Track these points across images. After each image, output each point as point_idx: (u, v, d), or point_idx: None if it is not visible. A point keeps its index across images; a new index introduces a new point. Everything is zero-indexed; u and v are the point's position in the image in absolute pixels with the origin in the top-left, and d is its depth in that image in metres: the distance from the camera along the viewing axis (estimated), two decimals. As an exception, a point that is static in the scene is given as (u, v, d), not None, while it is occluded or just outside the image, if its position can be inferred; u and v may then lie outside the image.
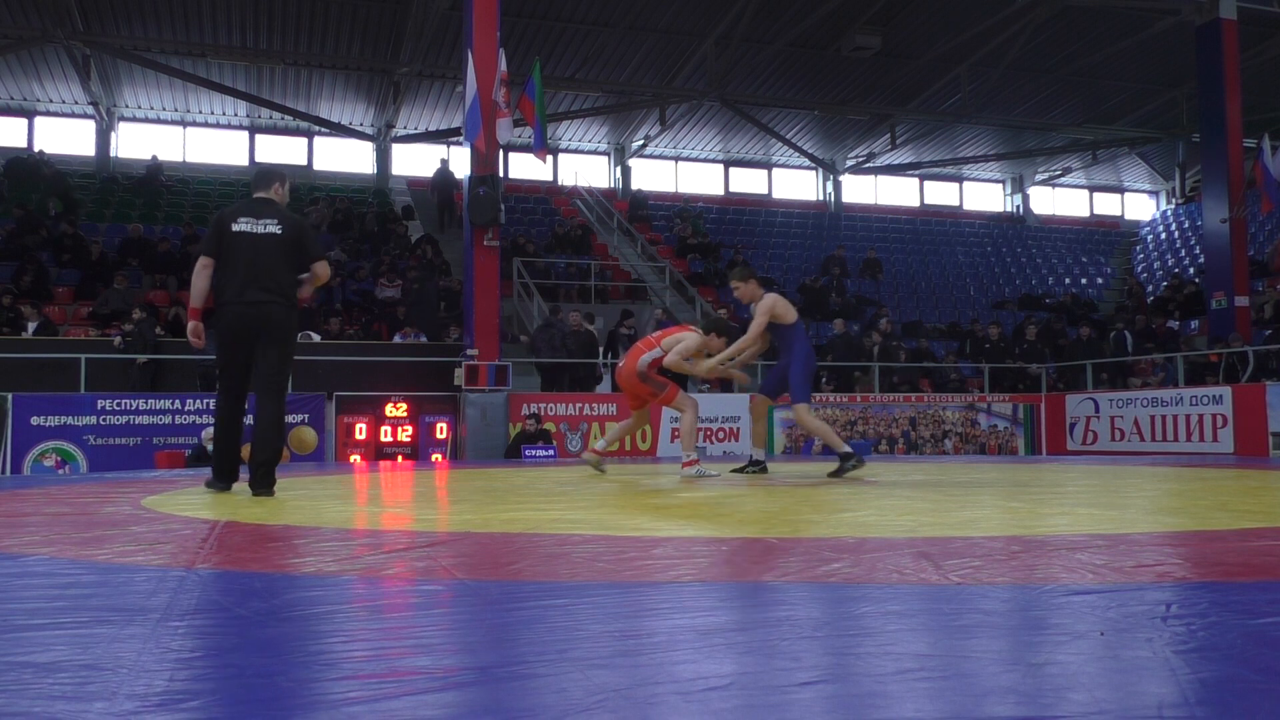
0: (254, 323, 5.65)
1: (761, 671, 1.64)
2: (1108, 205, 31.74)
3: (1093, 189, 31.48)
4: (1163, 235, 28.23)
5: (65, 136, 22.69)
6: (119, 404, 12.40)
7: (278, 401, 5.76)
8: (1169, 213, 29.27)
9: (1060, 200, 31.41)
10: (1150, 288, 24.48)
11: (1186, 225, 27.05)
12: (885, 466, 8.63)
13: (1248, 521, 3.94)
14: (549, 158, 25.74)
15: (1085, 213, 31.35)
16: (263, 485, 5.58)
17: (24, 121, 22.56)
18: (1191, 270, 23.73)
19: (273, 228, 5.71)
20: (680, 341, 7.39)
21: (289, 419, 11.81)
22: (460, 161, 21.92)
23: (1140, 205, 31.78)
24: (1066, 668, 1.65)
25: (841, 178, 27.99)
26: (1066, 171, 29.85)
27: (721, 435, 14.28)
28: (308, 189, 22.22)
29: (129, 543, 3.49)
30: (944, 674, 1.61)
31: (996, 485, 6.22)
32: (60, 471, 11.83)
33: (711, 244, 22.62)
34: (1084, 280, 25.67)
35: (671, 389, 7.40)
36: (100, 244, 17.04)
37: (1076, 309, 22.08)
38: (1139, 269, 26.98)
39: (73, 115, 22.67)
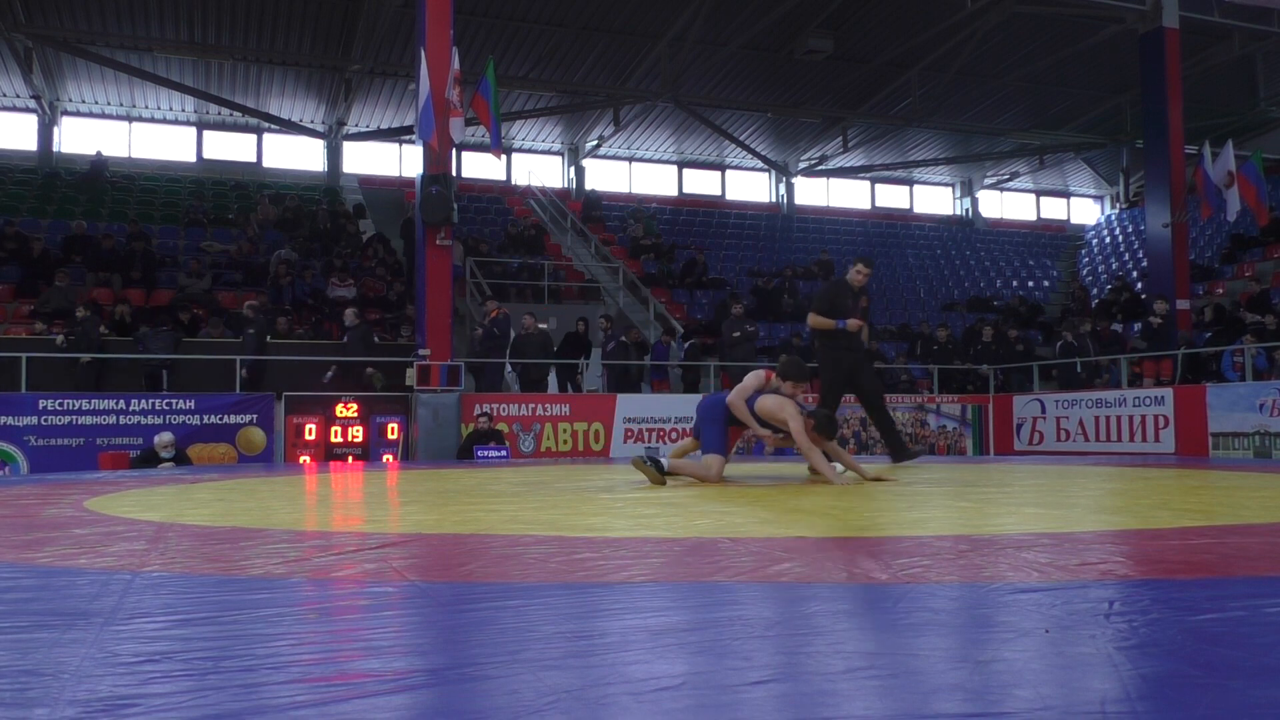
0: None
1: (713, 671, 1.65)
2: (1054, 209, 32.27)
3: (1039, 193, 31.99)
4: (1107, 239, 28.72)
5: (6, 131, 22.17)
6: (61, 404, 12.14)
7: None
8: (1113, 217, 29.81)
9: (1008, 204, 31.88)
10: (1095, 290, 24.88)
11: (1130, 229, 27.53)
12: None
13: (1188, 520, 4.02)
14: (503, 156, 25.64)
15: (1032, 216, 31.85)
16: (898, 458, 8.38)
17: (-37, 115, 22.02)
18: (1135, 274, 24.17)
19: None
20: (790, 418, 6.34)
21: (239, 419, 12.81)
22: (413, 160, 21.74)
23: (1085, 209, 32.36)
24: (1012, 665, 1.68)
25: (794, 180, 28.17)
26: (1014, 176, 30.29)
27: (674, 435, 14.29)
28: (257, 186, 21.90)
29: (71, 545, 3.43)
30: (893, 672, 1.63)
31: (945, 485, 6.28)
32: (0, 473, 11.57)
33: (665, 245, 22.65)
34: (1031, 283, 26.04)
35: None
36: (42, 241, 16.67)
37: (1024, 311, 22.40)
38: (1084, 272, 27.41)
39: (14, 109, 22.14)
